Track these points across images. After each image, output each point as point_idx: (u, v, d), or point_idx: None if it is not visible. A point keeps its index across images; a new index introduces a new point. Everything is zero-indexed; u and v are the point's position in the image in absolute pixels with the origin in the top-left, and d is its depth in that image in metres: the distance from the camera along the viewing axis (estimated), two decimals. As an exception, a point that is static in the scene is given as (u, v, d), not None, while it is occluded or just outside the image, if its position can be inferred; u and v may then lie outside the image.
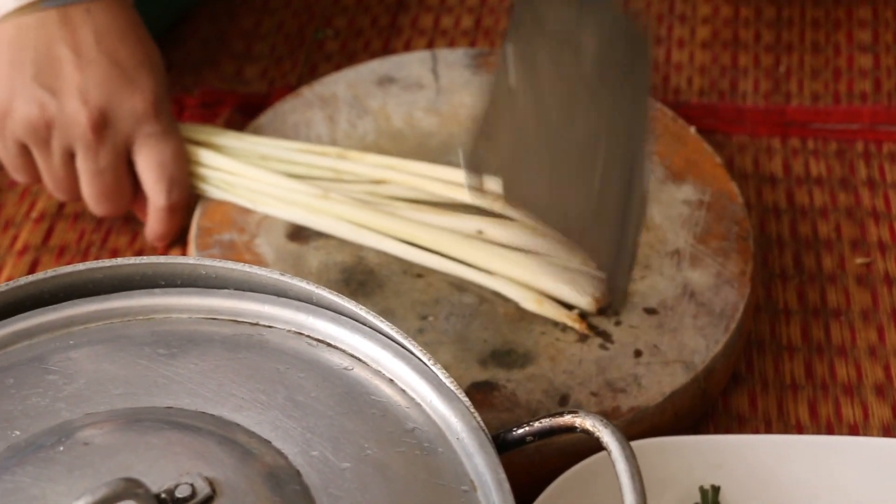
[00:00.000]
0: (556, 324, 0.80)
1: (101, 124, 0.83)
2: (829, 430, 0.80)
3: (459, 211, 0.85)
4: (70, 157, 0.85)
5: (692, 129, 0.92)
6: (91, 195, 0.86)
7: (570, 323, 0.79)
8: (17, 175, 0.88)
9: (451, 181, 0.86)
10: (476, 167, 0.74)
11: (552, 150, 0.79)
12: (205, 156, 0.88)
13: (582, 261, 0.81)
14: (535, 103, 0.81)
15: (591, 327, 0.79)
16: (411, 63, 0.97)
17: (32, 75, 0.83)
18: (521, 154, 0.78)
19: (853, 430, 0.80)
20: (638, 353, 0.78)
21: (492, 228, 0.84)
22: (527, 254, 0.82)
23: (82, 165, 0.85)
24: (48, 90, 0.83)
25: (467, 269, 0.82)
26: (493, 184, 0.76)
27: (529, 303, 0.80)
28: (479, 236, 0.84)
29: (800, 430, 0.80)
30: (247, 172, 0.87)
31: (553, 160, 0.79)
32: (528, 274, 0.81)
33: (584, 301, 0.80)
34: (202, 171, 0.88)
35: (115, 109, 0.83)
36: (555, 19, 0.84)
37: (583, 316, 0.80)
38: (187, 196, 0.87)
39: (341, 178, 0.87)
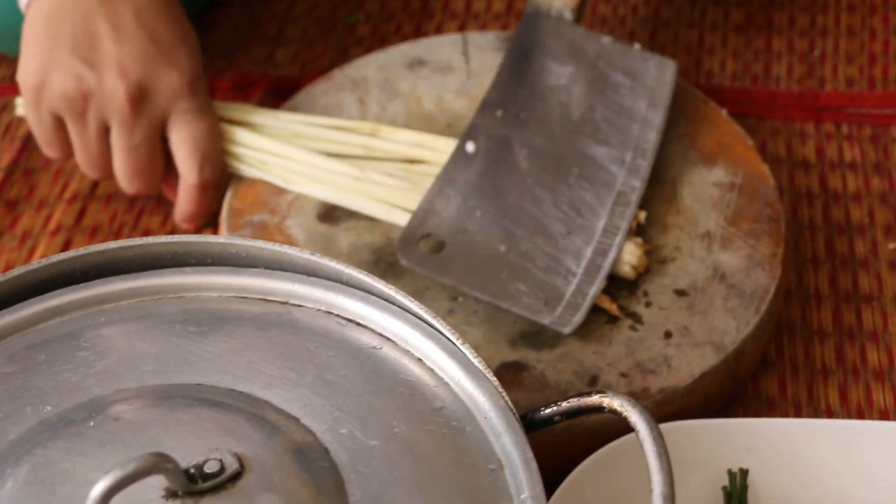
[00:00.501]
0: (585, 305, 0.80)
1: (139, 98, 0.84)
2: (860, 416, 0.79)
3: None
4: (105, 131, 0.85)
5: (723, 112, 0.91)
6: (123, 172, 0.86)
7: (601, 304, 0.79)
8: (49, 150, 0.88)
9: None
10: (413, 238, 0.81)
11: (492, 212, 0.82)
12: (239, 134, 0.88)
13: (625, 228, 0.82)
14: (491, 171, 0.84)
15: (621, 308, 0.79)
16: (442, 46, 0.97)
17: (70, 49, 0.83)
18: (462, 220, 0.81)
19: (884, 416, 0.79)
20: (668, 335, 0.78)
21: None
22: None
23: (117, 140, 0.85)
24: (86, 63, 0.83)
25: None
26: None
27: None
28: None
29: (830, 414, 0.80)
30: (281, 150, 0.87)
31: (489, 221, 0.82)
32: None
33: (622, 269, 0.80)
34: (236, 149, 0.88)
35: (153, 85, 0.84)
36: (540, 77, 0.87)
37: (614, 299, 0.80)
38: (219, 175, 0.87)
39: (374, 155, 0.88)
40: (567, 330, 0.77)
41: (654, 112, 0.88)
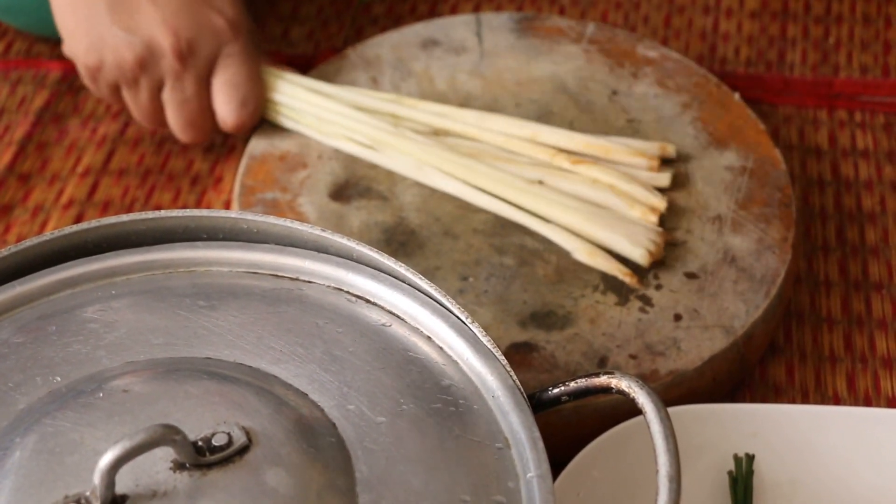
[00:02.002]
0: (595, 287, 0.80)
1: (187, 52, 0.85)
2: (867, 403, 0.79)
3: (521, 162, 0.85)
4: (157, 90, 0.87)
5: (736, 96, 0.91)
6: (177, 124, 0.88)
7: (620, 276, 0.79)
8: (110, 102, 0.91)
9: (510, 133, 0.86)
10: None
11: None
12: (278, 83, 0.89)
13: (641, 214, 0.81)
14: None
15: (631, 291, 0.79)
16: (456, 26, 0.97)
17: (110, 19, 0.84)
18: None
19: (891, 403, 0.79)
20: (678, 317, 0.78)
21: (552, 179, 0.84)
22: (585, 203, 0.83)
23: (169, 96, 0.87)
24: (129, 31, 0.84)
25: (524, 215, 0.83)
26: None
27: (581, 254, 0.80)
28: (540, 185, 0.84)
29: (837, 401, 0.80)
30: (318, 102, 0.88)
31: None
32: (583, 222, 0.81)
33: (637, 253, 0.80)
34: (274, 97, 0.89)
35: (197, 34, 0.85)
36: None
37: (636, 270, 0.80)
38: (256, 119, 0.89)
39: (403, 125, 0.88)
40: None
41: None
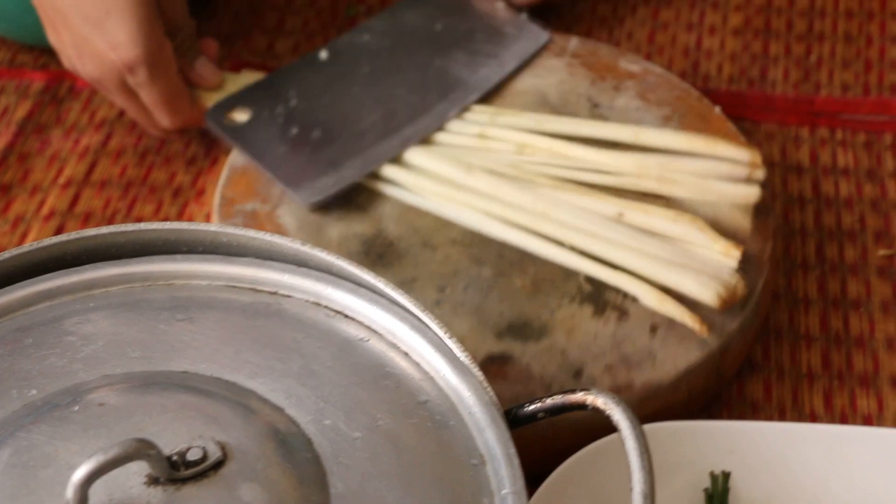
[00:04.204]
0: (572, 298, 0.80)
1: (94, 79, 0.87)
2: (844, 421, 0.80)
3: (601, 192, 0.84)
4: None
5: (717, 109, 0.92)
6: (139, 122, 0.92)
7: (690, 324, 0.77)
8: None
9: (590, 161, 0.86)
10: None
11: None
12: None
13: (723, 248, 0.80)
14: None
15: (607, 303, 0.79)
16: (440, 40, 0.97)
17: (49, 34, 0.89)
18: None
19: (867, 422, 0.80)
20: (654, 329, 0.78)
21: (632, 212, 0.82)
22: (663, 241, 0.81)
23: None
24: (58, 53, 0.90)
25: (599, 267, 0.80)
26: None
27: (651, 300, 0.78)
28: (620, 219, 0.82)
29: (814, 419, 0.80)
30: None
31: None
32: (655, 267, 0.79)
33: (707, 297, 0.78)
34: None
35: (97, 67, 0.86)
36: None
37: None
38: (181, 123, 0.90)
39: (488, 145, 0.88)
40: (303, 200, 0.85)
41: (508, 55, 0.94)
